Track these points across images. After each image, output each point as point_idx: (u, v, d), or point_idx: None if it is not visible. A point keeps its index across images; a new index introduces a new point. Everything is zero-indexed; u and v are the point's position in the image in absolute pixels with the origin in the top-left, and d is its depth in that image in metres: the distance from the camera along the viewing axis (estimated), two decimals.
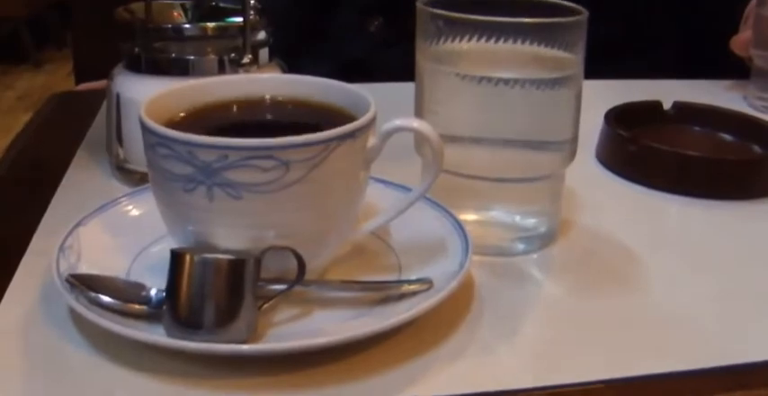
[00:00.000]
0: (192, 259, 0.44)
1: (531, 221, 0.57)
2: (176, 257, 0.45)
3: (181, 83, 0.53)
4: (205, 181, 0.45)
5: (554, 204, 0.58)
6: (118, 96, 0.64)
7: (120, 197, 0.56)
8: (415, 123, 0.49)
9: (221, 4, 0.68)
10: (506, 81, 0.54)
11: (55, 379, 0.45)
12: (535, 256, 0.57)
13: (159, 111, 0.49)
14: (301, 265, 0.46)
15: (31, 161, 0.75)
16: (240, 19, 0.63)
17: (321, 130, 0.45)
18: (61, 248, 0.50)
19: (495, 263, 0.55)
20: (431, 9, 0.54)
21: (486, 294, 0.52)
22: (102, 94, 0.70)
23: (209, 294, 0.44)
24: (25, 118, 1.06)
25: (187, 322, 0.44)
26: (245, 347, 0.44)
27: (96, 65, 0.74)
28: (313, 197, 0.46)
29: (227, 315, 0.44)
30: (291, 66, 0.70)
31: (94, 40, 0.66)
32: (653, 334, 0.50)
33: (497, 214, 0.57)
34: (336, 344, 0.44)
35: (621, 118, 0.73)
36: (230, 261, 0.44)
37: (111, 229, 0.54)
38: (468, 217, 0.56)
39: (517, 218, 0.57)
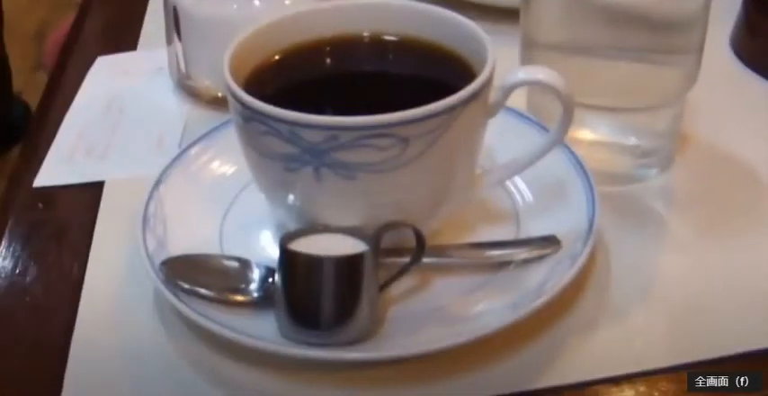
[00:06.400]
0: (307, 259, 0.39)
1: (650, 146, 0.52)
2: (288, 255, 0.39)
3: (263, 22, 0.45)
4: (312, 161, 0.39)
5: (675, 125, 0.52)
6: (175, 9, 0.56)
7: (190, 145, 0.50)
8: (541, 75, 0.42)
9: None
10: None
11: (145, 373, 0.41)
12: (655, 184, 0.51)
13: (242, 62, 0.42)
14: (421, 243, 0.41)
15: None
16: None
17: (438, 86, 0.39)
18: (145, 218, 0.45)
19: (613, 196, 0.49)
20: None
21: (610, 240, 0.47)
22: None
23: (326, 294, 0.39)
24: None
25: (304, 322, 0.39)
26: (372, 354, 0.39)
27: None
28: (433, 170, 0.41)
29: (346, 313, 0.39)
30: None
31: None
32: None
33: (615, 140, 0.52)
34: (466, 343, 0.39)
35: None
36: (348, 258, 0.39)
37: (192, 186, 0.48)
38: (585, 137, 0.50)
39: (635, 142, 0.52)
